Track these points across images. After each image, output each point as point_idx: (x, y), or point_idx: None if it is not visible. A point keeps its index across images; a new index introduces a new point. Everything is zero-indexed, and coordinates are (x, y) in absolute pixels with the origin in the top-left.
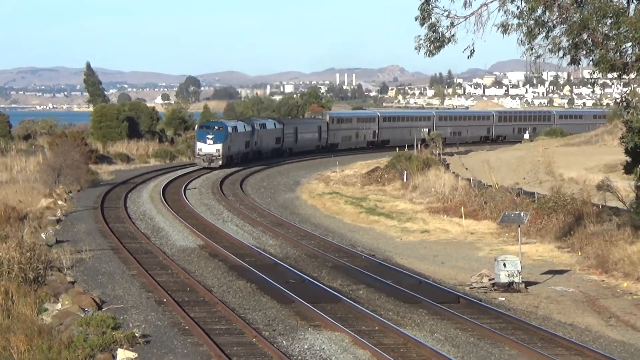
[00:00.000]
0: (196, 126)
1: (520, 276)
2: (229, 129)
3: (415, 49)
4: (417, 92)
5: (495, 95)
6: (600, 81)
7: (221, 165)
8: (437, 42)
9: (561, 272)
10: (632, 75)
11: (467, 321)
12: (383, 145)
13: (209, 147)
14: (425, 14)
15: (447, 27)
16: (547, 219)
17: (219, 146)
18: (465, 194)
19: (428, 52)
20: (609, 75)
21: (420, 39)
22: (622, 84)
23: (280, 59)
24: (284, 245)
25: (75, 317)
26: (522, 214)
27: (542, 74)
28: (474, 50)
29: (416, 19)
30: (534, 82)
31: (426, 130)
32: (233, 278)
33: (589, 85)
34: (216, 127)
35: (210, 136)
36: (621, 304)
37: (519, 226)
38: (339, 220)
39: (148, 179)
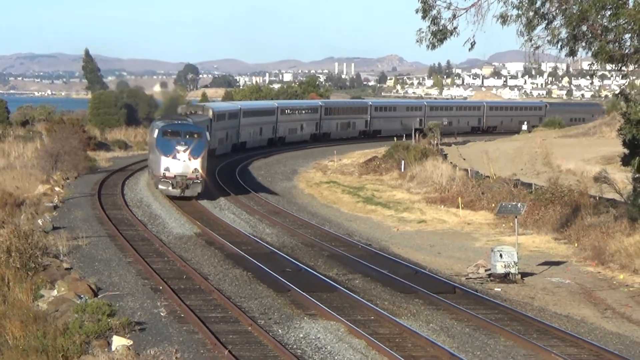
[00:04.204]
0: (156, 130)
1: (517, 267)
2: (207, 134)
3: (417, 42)
4: (415, 82)
5: (494, 86)
6: (599, 73)
7: (200, 193)
8: (440, 34)
9: (557, 263)
10: (631, 67)
11: (463, 312)
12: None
13: (182, 165)
14: (426, 6)
15: (449, 19)
16: (544, 210)
17: (197, 162)
18: (462, 185)
19: (430, 45)
20: (608, 67)
21: (422, 32)
22: (620, 75)
23: (279, 48)
24: (281, 234)
25: (71, 304)
26: (519, 204)
27: (541, 65)
28: (474, 43)
29: (417, 12)
30: (533, 73)
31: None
32: (229, 266)
33: (588, 77)
34: (190, 134)
35: (181, 147)
36: (617, 296)
37: (516, 217)
38: (336, 210)
39: (145, 166)
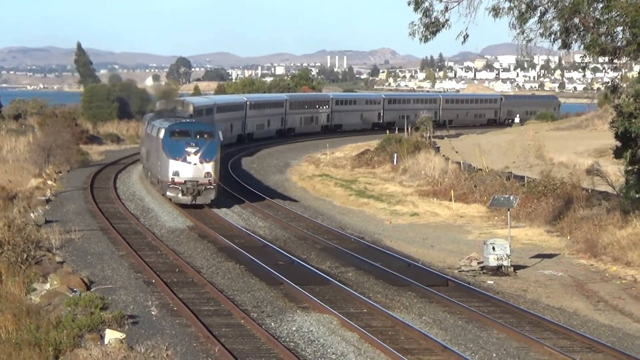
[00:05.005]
0: (162, 130)
1: (509, 260)
2: (219, 134)
3: (410, 34)
4: (408, 75)
5: (487, 79)
6: (591, 65)
7: (213, 199)
8: (432, 27)
9: (550, 256)
10: (623, 60)
11: (456, 304)
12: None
13: (192, 169)
14: None
15: (442, 11)
16: (537, 203)
17: (210, 166)
18: (455, 177)
19: (423, 38)
20: (600, 60)
21: (415, 25)
22: (612, 68)
23: (271, 41)
24: (273, 227)
25: (64, 297)
26: (511, 197)
27: (534, 58)
28: (467, 36)
29: (409, 4)
30: (525, 66)
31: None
32: (222, 259)
33: (580, 70)
34: (200, 134)
35: (192, 149)
36: (610, 288)
37: (509, 210)
38: (329, 203)
39: (138, 160)
